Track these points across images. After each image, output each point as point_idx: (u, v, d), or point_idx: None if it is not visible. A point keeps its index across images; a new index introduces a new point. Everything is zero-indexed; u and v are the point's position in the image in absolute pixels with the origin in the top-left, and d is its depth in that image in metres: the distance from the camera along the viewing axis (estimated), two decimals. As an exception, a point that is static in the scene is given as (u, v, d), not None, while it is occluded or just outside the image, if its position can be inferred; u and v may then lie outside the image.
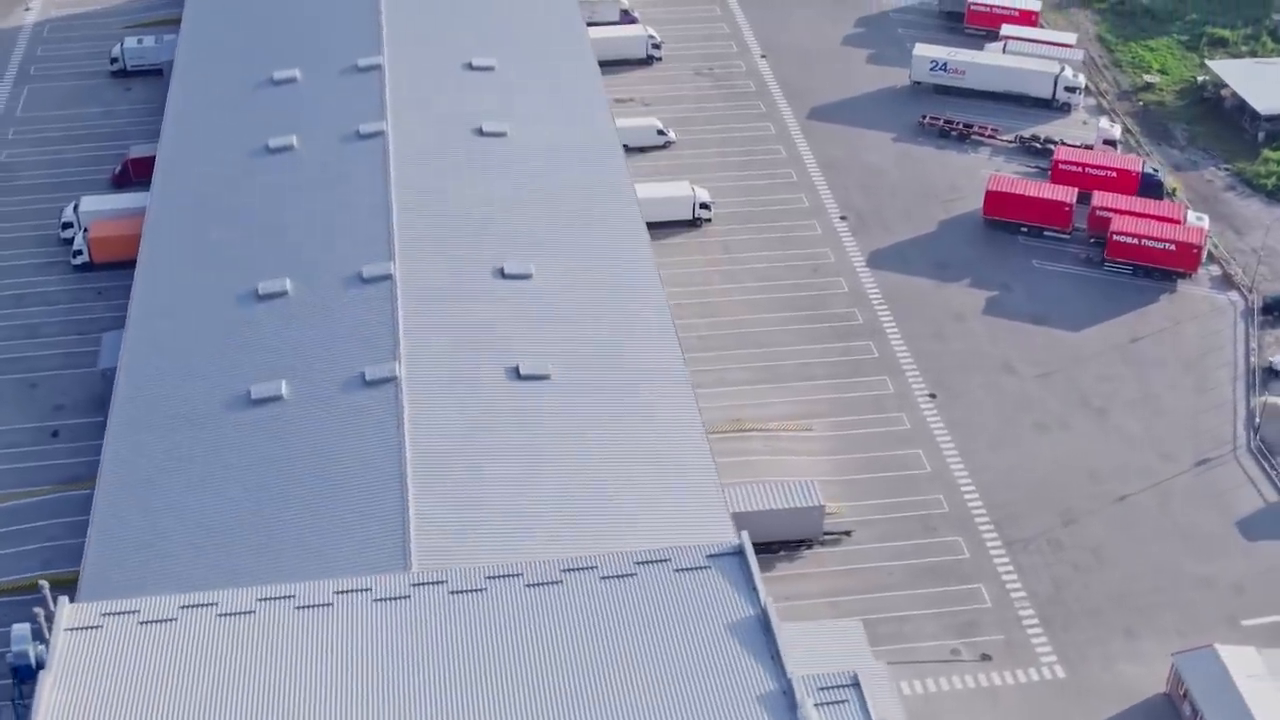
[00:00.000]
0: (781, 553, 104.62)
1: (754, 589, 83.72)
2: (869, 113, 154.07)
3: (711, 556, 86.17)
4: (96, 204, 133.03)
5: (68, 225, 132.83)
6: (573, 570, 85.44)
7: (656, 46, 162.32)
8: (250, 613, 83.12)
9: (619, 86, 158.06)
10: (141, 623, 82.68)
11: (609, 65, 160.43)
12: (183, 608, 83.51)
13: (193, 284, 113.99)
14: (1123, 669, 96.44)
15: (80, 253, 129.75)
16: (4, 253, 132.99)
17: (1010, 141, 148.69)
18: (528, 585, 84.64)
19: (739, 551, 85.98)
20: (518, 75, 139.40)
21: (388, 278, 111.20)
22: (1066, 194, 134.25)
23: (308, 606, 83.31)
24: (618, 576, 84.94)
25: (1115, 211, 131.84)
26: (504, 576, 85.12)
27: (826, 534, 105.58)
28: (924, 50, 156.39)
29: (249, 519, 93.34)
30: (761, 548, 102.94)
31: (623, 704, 76.72)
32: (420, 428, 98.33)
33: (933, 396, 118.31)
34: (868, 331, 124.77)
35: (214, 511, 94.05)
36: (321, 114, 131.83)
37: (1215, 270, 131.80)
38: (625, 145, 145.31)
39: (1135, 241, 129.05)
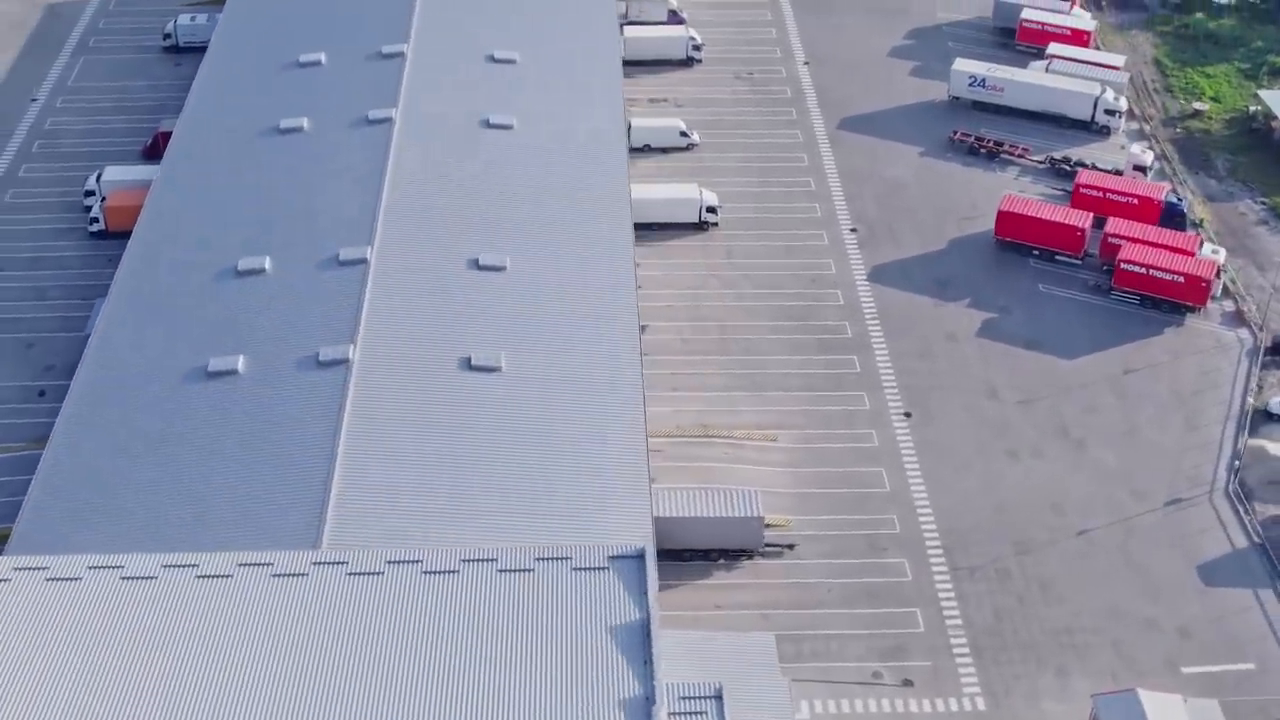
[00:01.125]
0: (721, 561, 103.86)
1: (644, 593, 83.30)
2: (901, 125, 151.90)
3: (613, 558, 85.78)
4: (118, 174, 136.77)
5: (90, 193, 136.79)
6: (472, 561, 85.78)
7: (697, 48, 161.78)
8: (153, 578, 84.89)
9: (655, 86, 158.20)
10: (48, 579, 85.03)
11: (649, 65, 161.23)
12: (90, 568, 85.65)
13: (178, 257, 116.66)
14: (1046, 706, 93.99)
15: (96, 220, 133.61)
16: (31, 216, 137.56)
17: (1040, 162, 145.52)
18: (425, 572, 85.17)
19: (640, 555, 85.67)
20: (537, 70, 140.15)
21: (363, 262, 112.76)
22: (1080, 218, 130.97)
23: (208, 576, 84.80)
24: (515, 570, 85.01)
25: (1126, 239, 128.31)
26: (403, 562, 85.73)
27: (769, 546, 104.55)
28: (963, 65, 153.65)
29: (183, 487, 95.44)
30: (700, 555, 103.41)
31: (482, 695, 76.80)
32: (360, 411, 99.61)
33: (907, 415, 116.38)
34: (855, 346, 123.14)
35: (151, 477, 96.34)
36: (337, 98, 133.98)
37: (1229, 306, 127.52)
38: (648, 145, 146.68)
39: (1143, 271, 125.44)
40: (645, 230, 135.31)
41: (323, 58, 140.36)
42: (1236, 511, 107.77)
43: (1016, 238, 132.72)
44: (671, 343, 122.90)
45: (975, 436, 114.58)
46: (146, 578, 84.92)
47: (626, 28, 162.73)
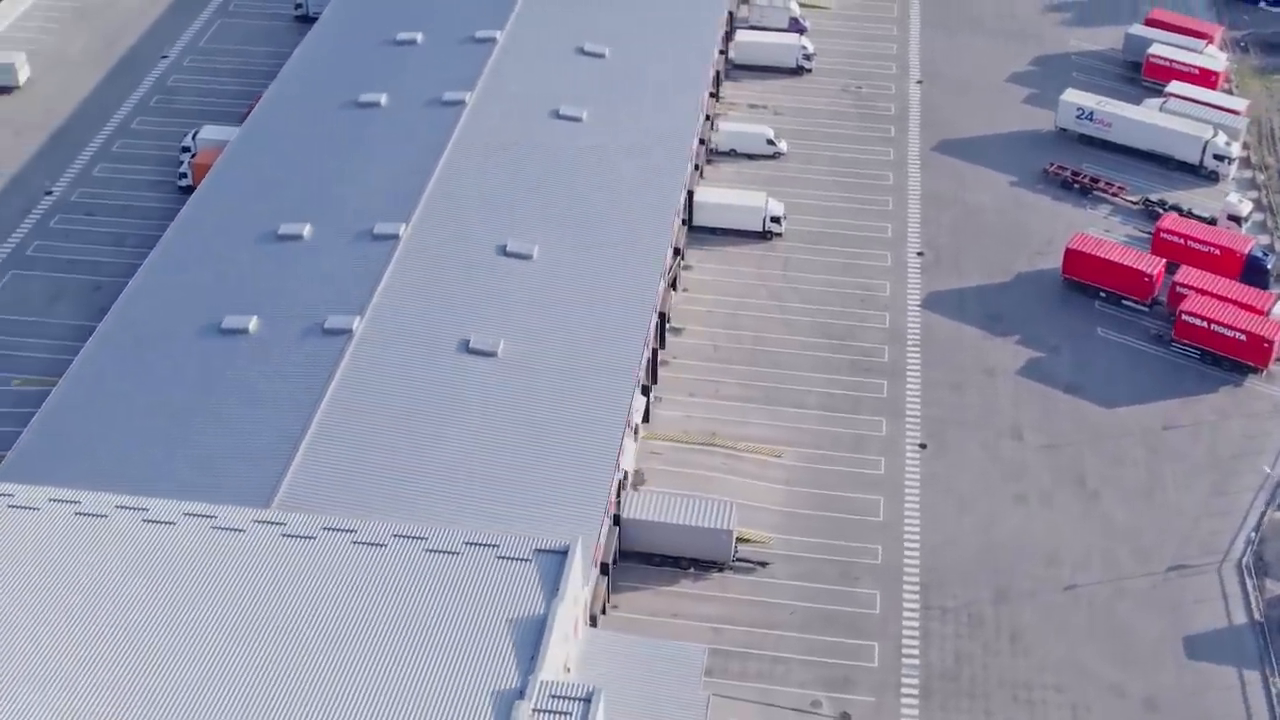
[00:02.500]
0: (691, 570, 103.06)
1: (554, 590, 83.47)
2: (1000, 153, 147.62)
3: (539, 551, 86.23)
4: (213, 134, 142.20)
5: (185, 150, 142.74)
6: (402, 536, 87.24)
7: (808, 57, 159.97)
8: (103, 516, 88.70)
9: (758, 92, 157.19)
10: (9, 506, 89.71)
11: (758, 71, 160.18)
12: (50, 500, 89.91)
13: (227, 216, 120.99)
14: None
15: (185, 176, 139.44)
16: (131, 166, 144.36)
17: (1134, 203, 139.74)
18: (354, 542, 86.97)
19: (563, 552, 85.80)
20: (624, 66, 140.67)
21: (395, 238, 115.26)
22: (1151, 264, 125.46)
23: (153, 521, 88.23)
24: (441, 551, 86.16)
25: (1193, 289, 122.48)
26: (338, 530, 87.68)
27: (741, 561, 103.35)
28: (1072, 96, 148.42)
29: (166, 434, 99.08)
30: (671, 562, 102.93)
31: (359, 665, 78.13)
32: (348, 381, 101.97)
33: (922, 446, 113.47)
34: (887, 371, 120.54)
35: (139, 422, 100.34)
36: (420, 77, 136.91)
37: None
38: (734, 150, 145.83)
39: (1204, 325, 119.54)
40: (708, 234, 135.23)
41: (419, 37, 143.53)
42: (1244, 585, 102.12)
43: (1084, 278, 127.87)
44: (702, 348, 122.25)
45: (986, 476, 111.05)
46: (97, 515, 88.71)
47: (739, 32, 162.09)
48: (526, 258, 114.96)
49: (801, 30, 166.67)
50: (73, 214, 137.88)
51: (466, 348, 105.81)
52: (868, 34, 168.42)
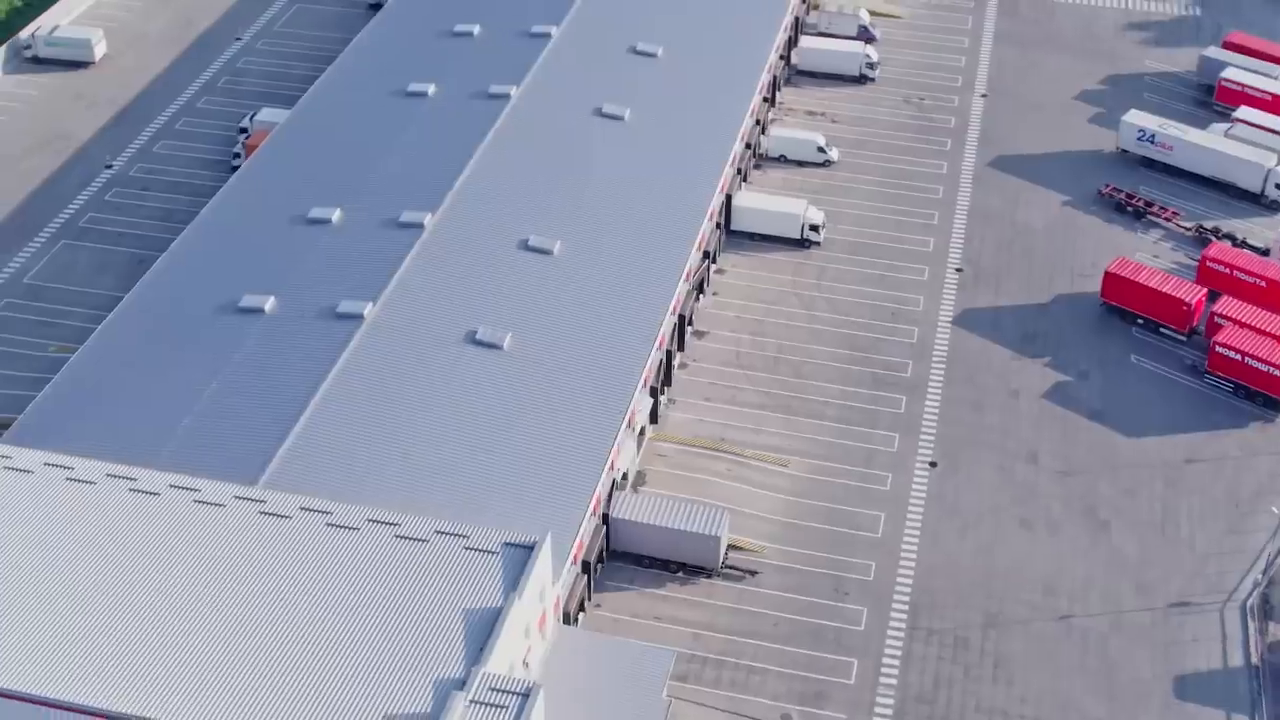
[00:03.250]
0: (679, 574, 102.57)
1: (515, 584, 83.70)
2: (1057, 171, 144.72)
3: (507, 545, 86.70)
4: (269, 116, 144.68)
5: (243, 130, 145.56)
6: (376, 522, 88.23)
7: (871, 66, 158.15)
8: (92, 483, 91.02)
9: (818, 99, 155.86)
10: (6, 468, 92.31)
11: (821, 78, 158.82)
12: (44, 464, 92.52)
13: (264, 198, 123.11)
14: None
15: (238, 156, 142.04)
16: (190, 144, 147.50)
17: (1187, 229, 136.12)
18: (328, 524, 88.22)
19: (530, 547, 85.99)
20: (675, 66, 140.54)
21: (419, 227, 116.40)
22: (1190, 292, 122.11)
23: (139, 490, 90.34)
24: (411, 538, 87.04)
25: (1230, 320, 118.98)
26: (313, 511, 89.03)
27: (731, 568, 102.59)
28: (1134, 118, 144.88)
29: (171, 406, 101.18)
30: (660, 564, 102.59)
31: (311, 643, 79.34)
32: (351, 365, 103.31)
33: (932, 465, 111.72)
34: (908, 386, 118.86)
35: (148, 393, 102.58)
36: (471, 69, 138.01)
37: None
38: (784, 156, 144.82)
39: (1238, 357, 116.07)
40: (747, 239, 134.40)
41: (477, 29, 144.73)
42: (1245, 627, 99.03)
43: (1122, 303, 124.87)
44: (723, 353, 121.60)
45: (995, 499, 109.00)
46: (86, 482, 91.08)
47: (803, 38, 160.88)
48: (546, 253, 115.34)
49: (870, 39, 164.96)
50: (128, 188, 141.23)
51: (473, 339, 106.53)
52: (937, 45, 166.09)
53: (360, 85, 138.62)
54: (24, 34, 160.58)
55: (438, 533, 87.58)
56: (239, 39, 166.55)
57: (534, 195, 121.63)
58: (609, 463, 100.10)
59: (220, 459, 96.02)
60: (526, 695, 76.90)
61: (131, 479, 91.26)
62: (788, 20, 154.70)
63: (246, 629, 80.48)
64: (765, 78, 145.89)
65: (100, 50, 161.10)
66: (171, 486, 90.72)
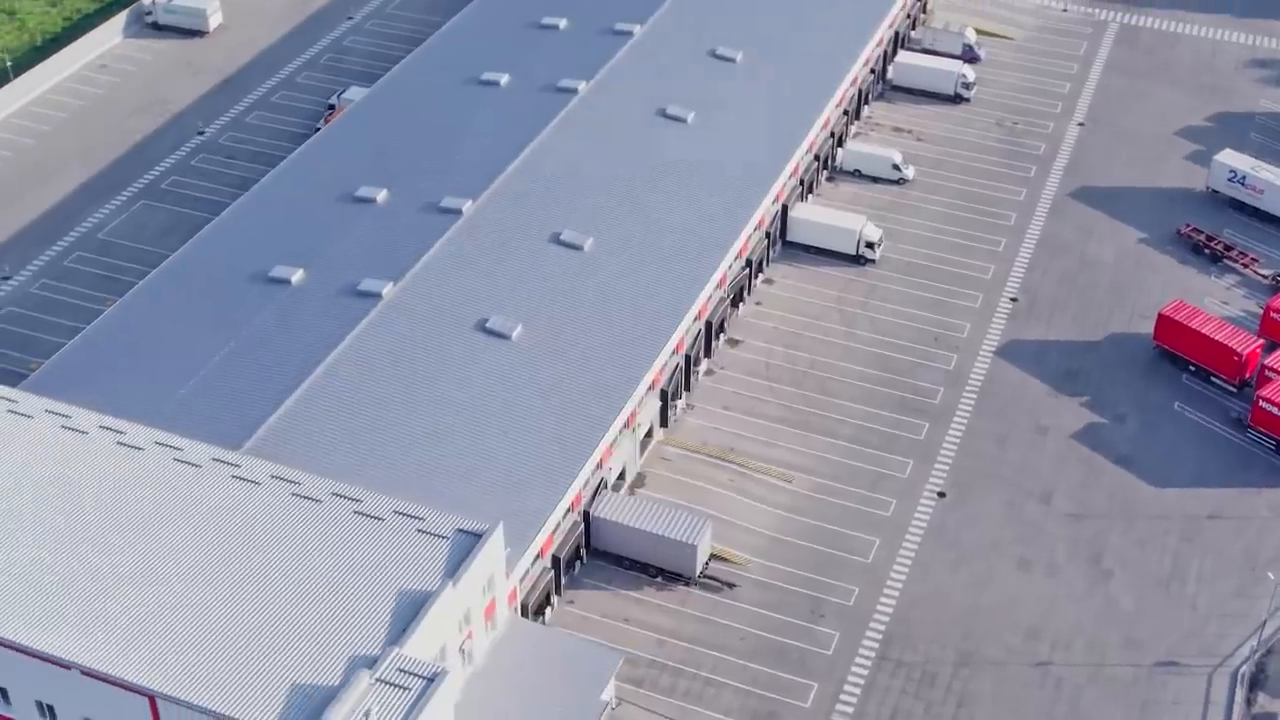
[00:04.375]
0: (658, 579, 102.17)
1: (455, 570, 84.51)
2: (1140, 206, 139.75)
3: (459, 531, 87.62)
4: (356, 94, 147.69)
5: (331, 107, 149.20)
6: (339, 496, 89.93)
7: (966, 86, 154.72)
8: (84, 433, 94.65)
9: (907, 116, 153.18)
10: (9, 411, 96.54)
11: (916, 95, 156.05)
12: (45, 411, 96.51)
13: (319, 172, 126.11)
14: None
15: (318, 129, 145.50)
16: (281, 118, 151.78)
17: (1265, 277, 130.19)
18: (293, 494, 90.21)
19: (478, 535, 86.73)
20: (750, 73, 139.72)
21: (457, 213, 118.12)
22: (1244, 342, 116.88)
23: (125, 444, 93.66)
24: (368, 516, 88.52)
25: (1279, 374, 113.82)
26: (283, 480, 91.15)
27: (709, 578, 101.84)
28: (1227, 158, 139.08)
29: (182, 367, 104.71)
30: (640, 567, 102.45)
31: (243, 608, 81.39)
32: (357, 343, 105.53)
33: (941, 495, 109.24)
34: (934, 413, 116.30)
35: (164, 352, 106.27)
36: (547, 62, 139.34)
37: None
38: (858, 171, 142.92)
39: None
40: (803, 251, 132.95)
41: (563, 23, 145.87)
42: (1232, 695, 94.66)
43: (1174, 348, 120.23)
44: (753, 363, 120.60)
45: (997, 535, 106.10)
46: (79, 431, 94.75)
47: (900, 53, 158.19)
48: (577, 249, 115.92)
49: (974, 59, 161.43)
50: (215, 155, 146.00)
51: (483, 327, 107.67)
52: (1044, 70, 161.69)
53: (437, 70, 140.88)
54: (146, 0, 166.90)
55: (396, 513, 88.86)
56: (350, 18, 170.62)
57: (577, 191, 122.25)
58: (594, 461, 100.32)
59: (212, 422, 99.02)
60: (431, 679, 77.66)
61: (121, 432, 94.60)
62: (882, 35, 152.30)
63: (182, 580, 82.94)
64: (847, 91, 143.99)
65: (215, 20, 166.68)
66: (156, 443, 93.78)
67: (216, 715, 75.71)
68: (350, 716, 74.35)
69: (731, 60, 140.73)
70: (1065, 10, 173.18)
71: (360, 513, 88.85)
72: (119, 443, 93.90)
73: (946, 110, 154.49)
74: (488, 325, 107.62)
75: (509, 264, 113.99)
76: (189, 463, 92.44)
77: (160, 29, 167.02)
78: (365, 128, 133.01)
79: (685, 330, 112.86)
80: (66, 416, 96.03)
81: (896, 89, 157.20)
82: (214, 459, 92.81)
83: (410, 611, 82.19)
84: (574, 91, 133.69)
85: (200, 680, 77.35)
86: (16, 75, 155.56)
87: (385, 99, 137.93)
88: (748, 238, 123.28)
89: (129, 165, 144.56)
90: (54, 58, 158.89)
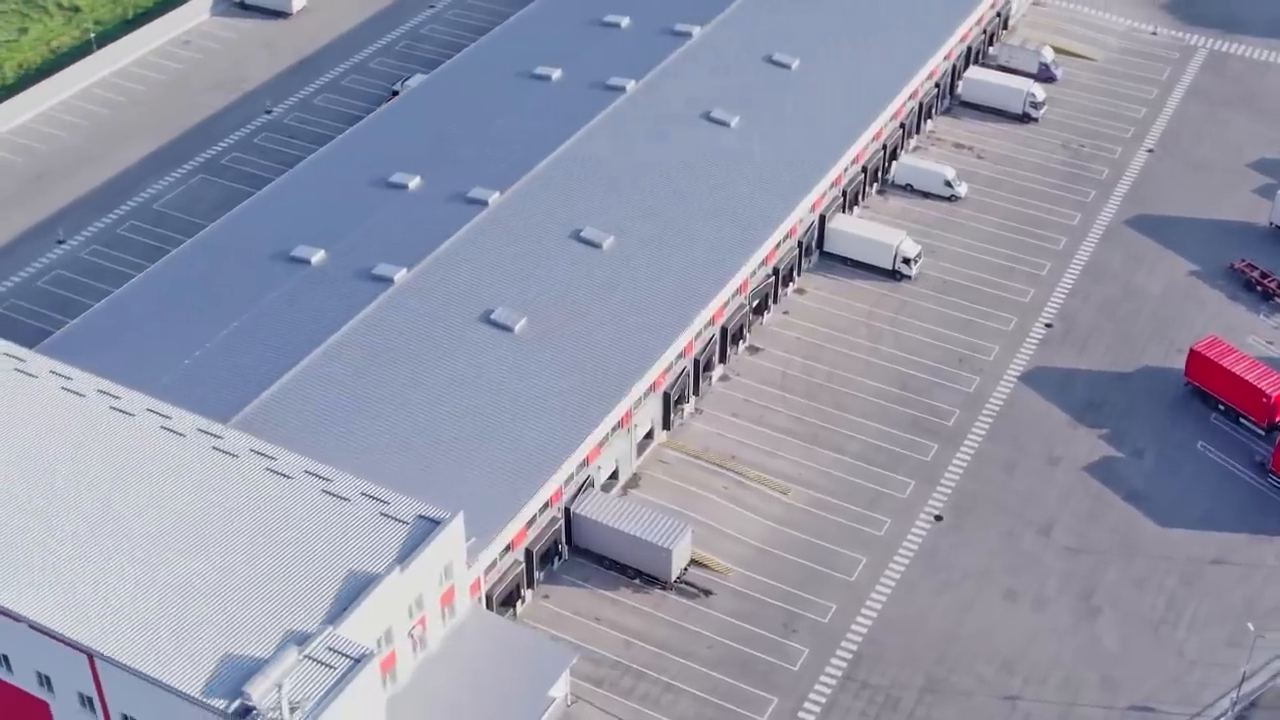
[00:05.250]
0: (636, 581, 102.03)
1: (407, 554, 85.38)
2: (1196, 238, 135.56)
3: (419, 517, 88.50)
4: (417, 82, 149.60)
5: (394, 93, 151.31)
6: (311, 474, 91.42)
7: (1035, 105, 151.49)
8: (82, 395, 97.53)
9: (971, 133, 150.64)
10: (15, 370, 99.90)
11: (984, 112, 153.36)
12: (49, 371, 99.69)
13: (359, 158, 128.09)
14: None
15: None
16: (348, 101, 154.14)
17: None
18: (267, 469, 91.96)
19: (436, 522, 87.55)
20: (804, 80, 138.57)
21: (483, 204, 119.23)
22: (1273, 383, 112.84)
23: (117, 409, 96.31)
24: (335, 495, 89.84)
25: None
26: (260, 454, 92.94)
27: (686, 584, 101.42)
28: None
29: (191, 337, 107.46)
30: (619, 568, 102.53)
31: (191, 572, 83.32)
32: (361, 326, 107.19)
33: (938, 519, 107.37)
34: (946, 436, 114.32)
35: (174, 324, 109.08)
36: (601, 59, 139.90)
37: None
38: (910, 185, 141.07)
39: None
40: (841, 263, 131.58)
41: (625, 21, 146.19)
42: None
43: (1205, 385, 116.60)
44: (770, 372, 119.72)
45: (989, 564, 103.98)
46: (77, 393, 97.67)
47: (971, 69, 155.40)
48: (596, 246, 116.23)
49: (1050, 78, 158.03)
50: (278, 134, 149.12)
51: (488, 318, 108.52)
52: (1120, 93, 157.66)
53: (493, 62, 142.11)
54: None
55: (362, 494, 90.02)
56: (432, 6, 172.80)
57: (607, 189, 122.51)
58: (578, 459, 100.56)
59: (208, 394, 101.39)
60: (359, 660, 78.61)
61: (116, 398, 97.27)
62: (951, 49, 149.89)
63: (138, 544, 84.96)
64: (906, 104, 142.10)
65: (299, 3, 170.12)
66: (148, 410, 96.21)
67: (145, 677, 77.64)
68: (270, 690, 75.63)
69: (787, 67, 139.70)
70: (1155, 34, 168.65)
71: (328, 492, 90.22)
72: (112, 407, 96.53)
73: (1012, 129, 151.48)
74: (492, 317, 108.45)
75: (525, 258, 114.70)
76: (174, 431, 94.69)
77: (246, 8, 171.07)
78: (412, 115, 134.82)
79: (695, 335, 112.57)
80: (68, 379, 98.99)
81: (965, 105, 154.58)
82: (199, 429, 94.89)
83: (354, 592, 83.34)
84: (622, 90, 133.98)
85: (136, 642, 79.28)
86: (105, 47, 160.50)
87: (438, 88, 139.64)
88: (776, 246, 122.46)
89: (194, 139, 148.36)
90: (140, 31, 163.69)
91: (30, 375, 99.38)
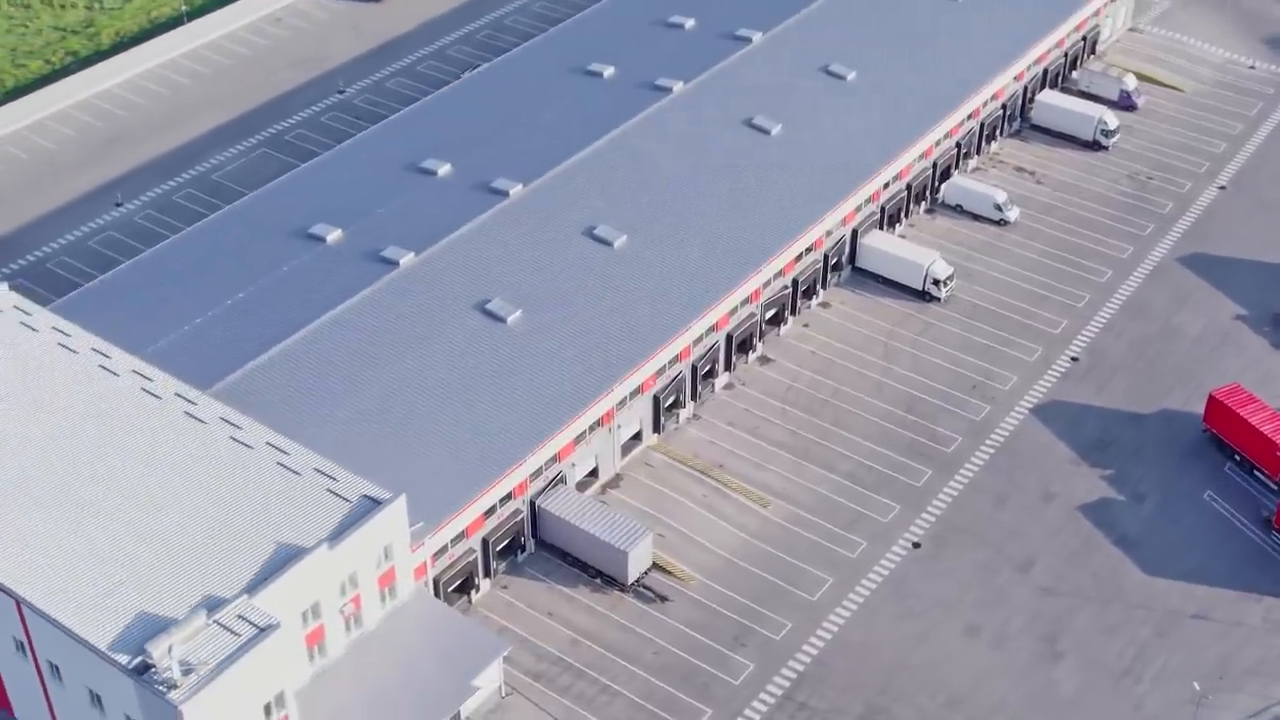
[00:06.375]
0: (597, 580, 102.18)
1: (342, 532, 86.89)
2: (1248, 281, 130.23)
3: (364, 497, 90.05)
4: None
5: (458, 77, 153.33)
6: (271, 446, 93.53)
7: (1106, 134, 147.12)
8: (75, 352, 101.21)
9: (1038, 157, 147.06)
10: (21, 323, 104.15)
11: (1055, 136, 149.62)
12: (51, 327, 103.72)
13: (398, 141, 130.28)
14: None
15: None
16: (419, 86, 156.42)
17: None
18: (231, 437, 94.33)
19: (378, 502, 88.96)
20: (856, 92, 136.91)
21: (504, 195, 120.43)
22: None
23: (105, 368, 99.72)
24: (289, 469, 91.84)
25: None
26: (228, 423, 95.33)
27: (644, 588, 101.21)
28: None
29: (191, 308, 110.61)
30: (580, 566, 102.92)
31: (126, 529, 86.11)
32: (359, 306, 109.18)
33: (916, 546, 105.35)
34: (942, 463, 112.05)
35: (184, 291, 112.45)
36: (656, 59, 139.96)
37: None
38: (960, 206, 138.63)
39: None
40: (872, 280, 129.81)
41: (690, 24, 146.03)
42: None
43: (1222, 433, 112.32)
44: (775, 383, 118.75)
45: (958, 597, 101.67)
46: (71, 351, 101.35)
47: (1043, 92, 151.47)
48: (607, 244, 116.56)
49: (1130, 106, 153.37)
50: (346, 114, 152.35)
51: (482, 308, 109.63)
52: (1203, 126, 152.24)
53: (553, 56, 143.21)
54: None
55: (315, 470, 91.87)
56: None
57: (631, 188, 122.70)
58: (546, 454, 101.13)
59: (197, 361, 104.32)
60: (264, 630, 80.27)
61: (107, 356, 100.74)
62: (1021, 71, 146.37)
63: (85, 498, 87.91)
64: (964, 124, 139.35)
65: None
66: (132, 371, 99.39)
67: (60, 626, 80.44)
68: (169, 652, 77.65)
69: (842, 78, 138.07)
70: (1253, 68, 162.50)
71: (282, 465, 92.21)
72: (101, 365, 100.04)
73: (1080, 156, 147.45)
74: (488, 307, 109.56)
75: (533, 251, 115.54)
76: (152, 393, 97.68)
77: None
78: (460, 103, 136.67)
79: (694, 340, 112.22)
80: (67, 335, 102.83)
81: (1036, 129, 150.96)
82: (176, 394, 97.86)
83: (278, 563, 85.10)
84: (668, 91, 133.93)
85: (61, 592, 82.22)
86: (199, 19, 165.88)
87: (492, 78, 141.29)
88: (797, 258, 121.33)
89: (265, 114, 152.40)
90: (233, 6, 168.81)
91: (32, 330, 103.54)
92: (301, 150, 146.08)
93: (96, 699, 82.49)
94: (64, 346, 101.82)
